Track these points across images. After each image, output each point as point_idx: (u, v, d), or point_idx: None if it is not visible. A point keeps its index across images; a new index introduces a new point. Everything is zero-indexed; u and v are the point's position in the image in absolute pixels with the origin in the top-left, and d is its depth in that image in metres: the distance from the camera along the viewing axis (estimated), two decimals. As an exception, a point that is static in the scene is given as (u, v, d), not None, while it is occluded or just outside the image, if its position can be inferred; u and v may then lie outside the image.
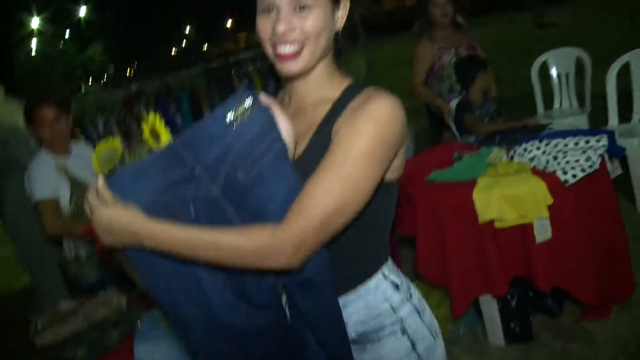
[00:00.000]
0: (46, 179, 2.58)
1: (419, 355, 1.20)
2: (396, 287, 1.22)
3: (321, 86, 1.19)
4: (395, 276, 1.24)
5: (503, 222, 2.28)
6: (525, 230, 2.28)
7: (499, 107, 3.50)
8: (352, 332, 1.19)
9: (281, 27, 1.07)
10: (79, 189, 2.59)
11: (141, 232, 0.99)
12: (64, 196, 2.58)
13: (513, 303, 2.61)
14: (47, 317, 2.22)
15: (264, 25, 1.11)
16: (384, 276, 1.22)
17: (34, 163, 2.64)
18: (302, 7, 1.08)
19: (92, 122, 4.83)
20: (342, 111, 1.10)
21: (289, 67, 1.12)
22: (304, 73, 1.16)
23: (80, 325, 2.12)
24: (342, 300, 1.18)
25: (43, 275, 2.97)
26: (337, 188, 1.01)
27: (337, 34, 1.17)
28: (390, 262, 1.24)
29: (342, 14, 1.16)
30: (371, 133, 1.02)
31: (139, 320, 2.03)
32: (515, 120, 3.28)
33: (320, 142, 1.10)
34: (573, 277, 2.35)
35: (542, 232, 2.25)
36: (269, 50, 1.13)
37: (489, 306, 2.57)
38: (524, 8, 13.49)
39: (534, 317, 2.70)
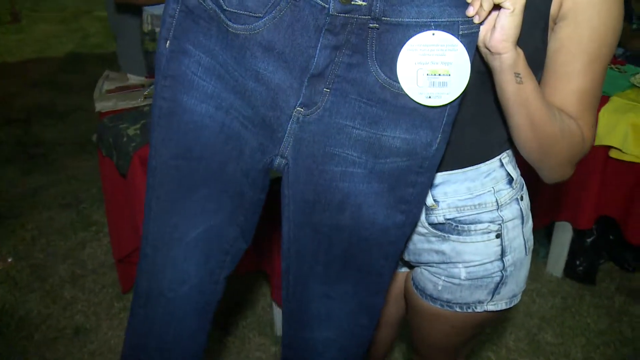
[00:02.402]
0: None
1: (504, 266, 1.02)
2: (510, 181, 1.00)
3: None
4: (513, 168, 1.01)
5: (621, 154, 1.97)
6: (641, 172, 1.98)
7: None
8: (440, 216, 1.00)
9: None
10: None
11: (521, 71, 0.77)
12: None
13: (588, 241, 2.37)
14: (113, 84, 2.12)
15: None
16: (501, 164, 1.00)
17: None
18: None
19: None
20: None
21: None
22: None
23: (141, 103, 2.00)
24: (443, 176, 0.98)
25: (124, 42, 2.82)
26: None
27: None
28: (511, 152, 1.01)
29: None
30: None
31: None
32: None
33: None
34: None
35: (662, 181, 1.94)
36: None
37: (563, 235, 2.34)
38: None
39: (602, 263, 2.46)
